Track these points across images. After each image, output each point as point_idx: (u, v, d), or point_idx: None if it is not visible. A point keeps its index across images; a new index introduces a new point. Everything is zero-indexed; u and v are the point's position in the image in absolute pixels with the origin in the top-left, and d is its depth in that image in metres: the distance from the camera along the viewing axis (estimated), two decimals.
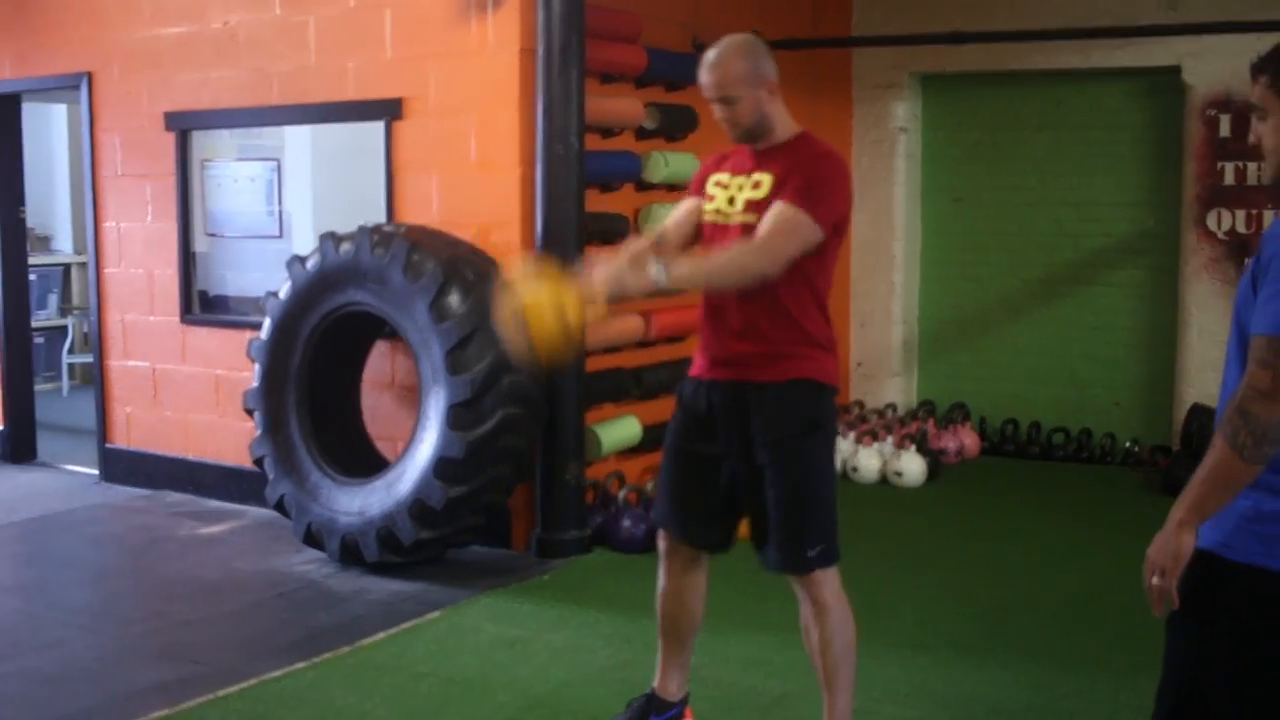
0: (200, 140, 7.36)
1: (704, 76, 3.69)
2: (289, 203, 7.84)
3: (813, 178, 3.60)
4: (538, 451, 6.01)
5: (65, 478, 7.89)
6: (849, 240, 8.77)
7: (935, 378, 8.98)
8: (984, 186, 8.70)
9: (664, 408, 4.50)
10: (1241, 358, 2.41)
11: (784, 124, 3.74)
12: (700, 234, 3.83)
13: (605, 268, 3.52)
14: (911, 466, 7.66)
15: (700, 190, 3.85)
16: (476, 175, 6.20)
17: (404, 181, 6.43)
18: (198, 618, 5.33)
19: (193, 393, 7.27)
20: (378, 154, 6.49)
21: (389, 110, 6.41)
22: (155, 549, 6.35)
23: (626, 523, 6.15)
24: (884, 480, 7.69)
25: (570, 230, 5.97)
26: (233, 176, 9.30)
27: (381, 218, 6.42)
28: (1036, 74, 8.29)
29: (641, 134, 6.79)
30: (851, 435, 7.96)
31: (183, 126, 7.20)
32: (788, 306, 3.65)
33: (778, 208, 3.57)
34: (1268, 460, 2.34)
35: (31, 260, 10.83)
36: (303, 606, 5.45)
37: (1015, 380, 8.65)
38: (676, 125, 6.94)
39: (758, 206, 3.64)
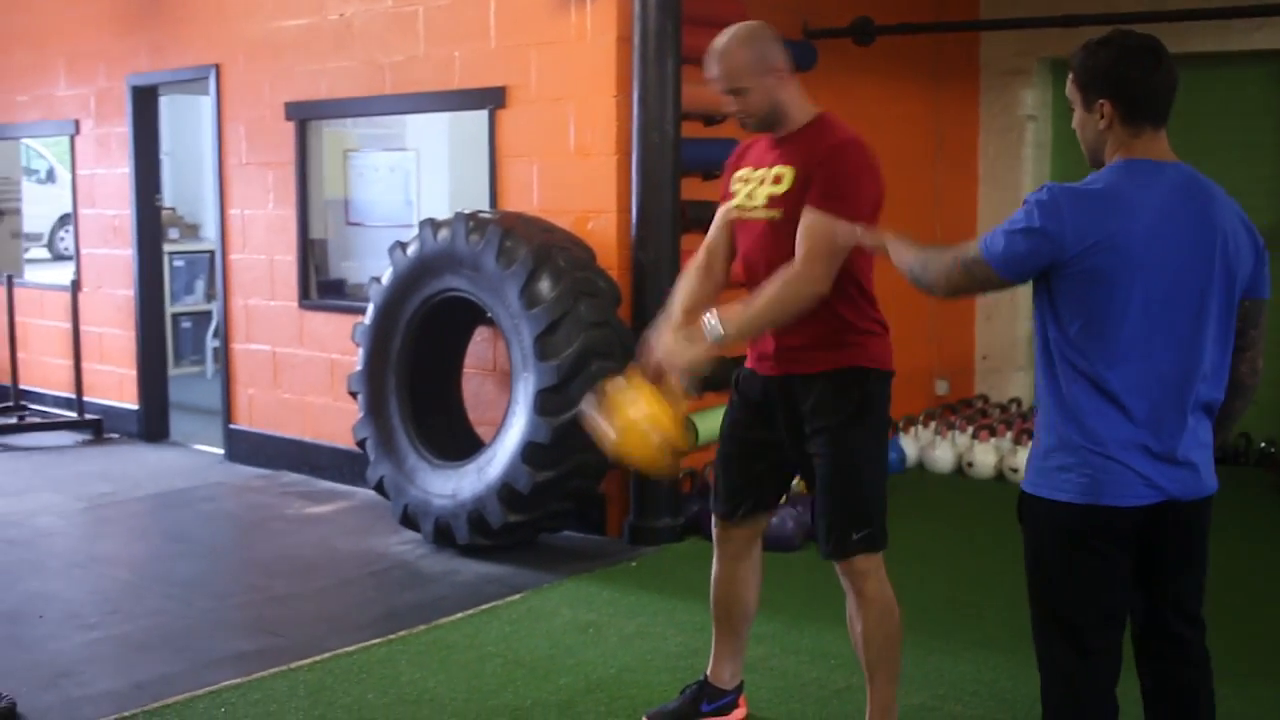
0: (342, 132, 7.57)
1: (709, 70, 3.65)
2: (424, 191, 8.00)
3: (837, 173, 3.52)
4: None
5: (193, 456, 8.19)
6: (975, 230, 8.59)
7: None
8: None
9: None
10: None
11: (800, 108, 3.66)
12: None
13: (666, 352, 3.53)
14: None
15: (727, 193, 3.83)
16: (575, 163, 6.23)
17: (506, 169, 6.50)
18: (289, 593, 5.48)
19: (309, 376, 7.48)
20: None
21: (493, 98, 6.49)
22: (262, 526, 6.56)
23: None
24: (1000, 476, 7.50)
25: (665, 218, 5.97)
26: (373, 166, 9.53)
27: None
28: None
29: None
30: (970, 430, 7.78)
31: (301, 116, 7.39)
32: (834, 299, 3.58)
33: (810, 219, 3.50)
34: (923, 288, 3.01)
35: (180, 247, 11.31)
36: (390, 585, 5.56)
37: None
38: None
39: (780, 201, 3.61)
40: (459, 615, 5.09)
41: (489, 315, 6.08)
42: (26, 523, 6.60)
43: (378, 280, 6.31)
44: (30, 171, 12.46)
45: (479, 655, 4.67)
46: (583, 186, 6.21)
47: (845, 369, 3.65)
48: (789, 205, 3.58)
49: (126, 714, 4.13)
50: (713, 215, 6.47)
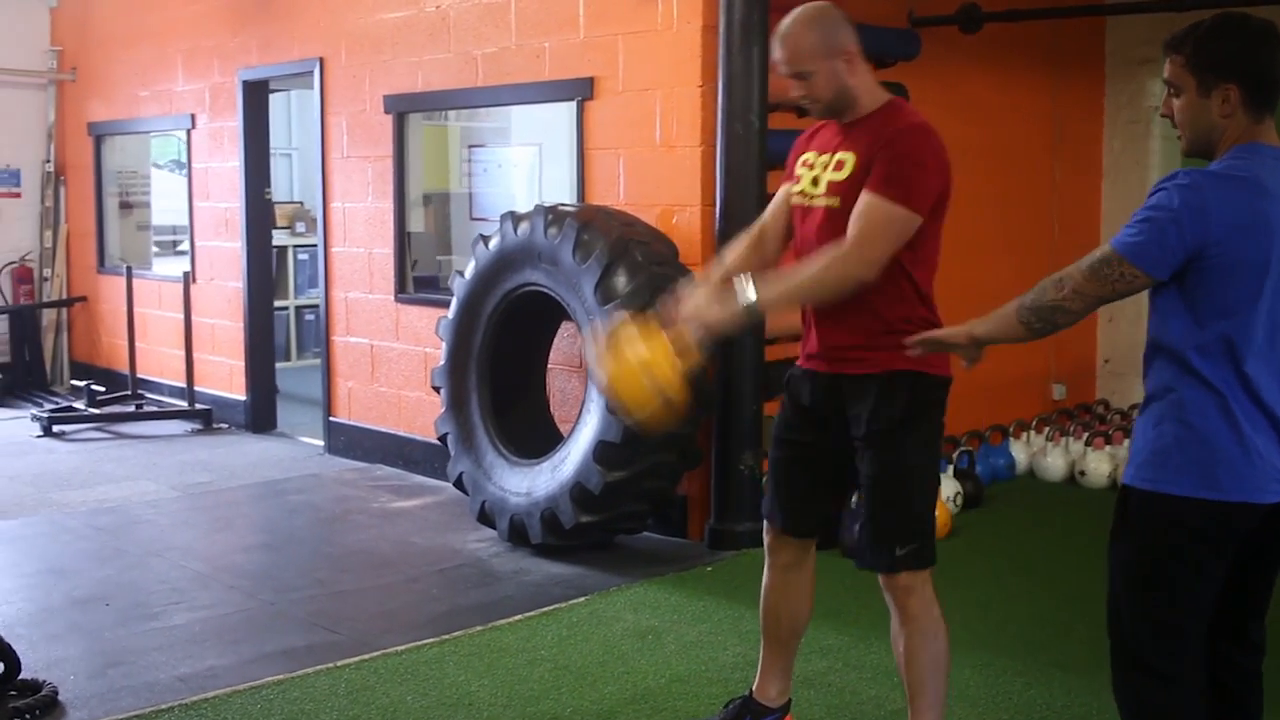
0: (463, 127, 7.53)
1: (774, 52, 3.49)
2: (547, 185, 7.92)
3: (899, 158, 3.32)
4: (712, 440, 5.85)
5: (295, 448, 8.25)
6: (1098, 228, 8.20)
7: None
8: None
9: None
10: None
11: (870, 94, 3.47)
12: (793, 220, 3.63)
13: (692, 306, 3.39)
14: None
15: (791, 173, 3.63)
16: (660, 156, 6.07)
17: (594, 161, 6.37)
18: (354, 588, 5.44)
19: (404, 370, 7.46)
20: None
21: (581, 90, 6.37)
22: (343, 520, 6.54)
23: None
24: (1114, 486, 7.11)
25: (750, 212, 5.71)
26: (496, 162, 9.47)
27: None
28: None
29: None
30: (1084, 436, 7.41)
31: (399, 109, 7.36)
32: (881, 298, 3.40)
33: (865, 201, 3.32)
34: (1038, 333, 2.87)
35: (304, 241, 11.46)
36: (457, 584, 5.47)
37: None
38: None
39: (840, 188, 3.42)
40: (518, 617, 4.98)
41: (567, 310, 5.97)
42: (119, 509, 6.70)
43: (460, 274, 6.23)
44: (179, 165, 12.73)
45: (529, 659, 4.55)
46: (668, 180, 6.05)
47: (896, 372, 3.44)
48: (847, 192, 3.40)
49: (163, 707, 4.11)
50: None
